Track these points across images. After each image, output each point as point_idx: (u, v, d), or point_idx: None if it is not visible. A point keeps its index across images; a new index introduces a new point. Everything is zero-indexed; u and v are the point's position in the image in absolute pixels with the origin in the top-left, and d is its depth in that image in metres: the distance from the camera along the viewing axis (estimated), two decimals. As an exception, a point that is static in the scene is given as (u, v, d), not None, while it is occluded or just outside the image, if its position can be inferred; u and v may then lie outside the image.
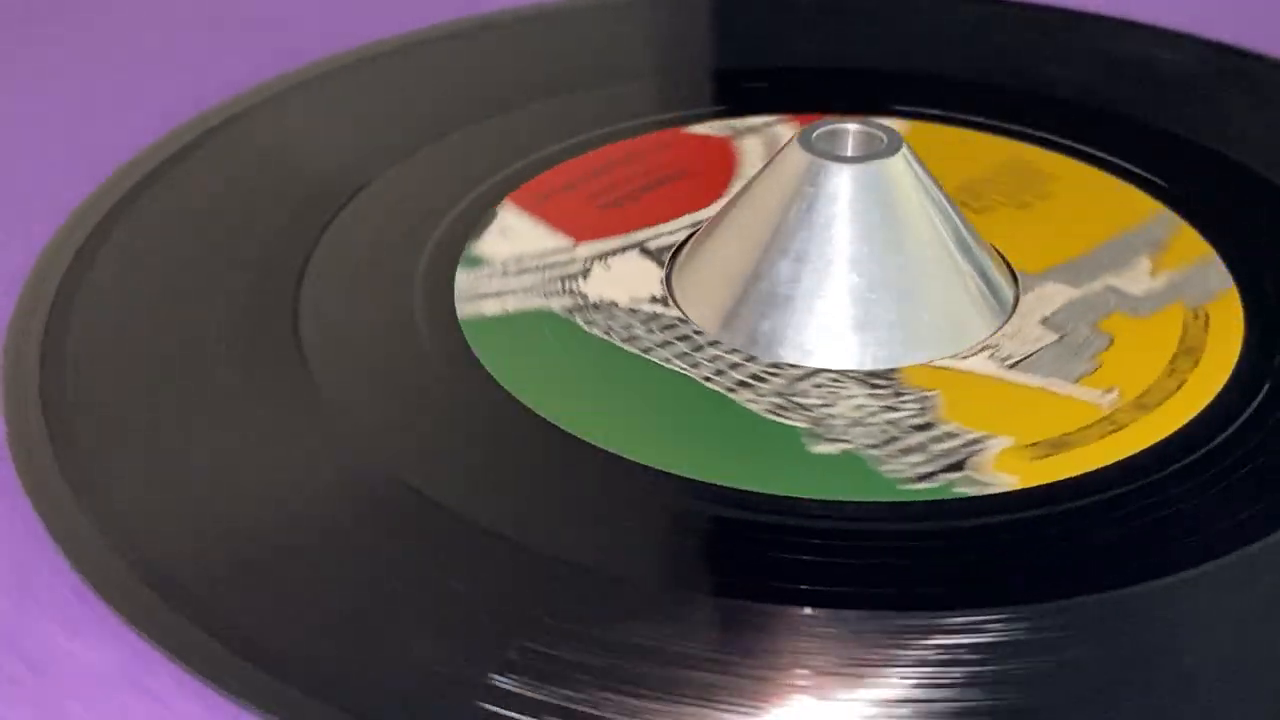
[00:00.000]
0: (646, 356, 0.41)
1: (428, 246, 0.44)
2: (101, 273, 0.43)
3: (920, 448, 0.38)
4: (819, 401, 0.40)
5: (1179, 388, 0.40)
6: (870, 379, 0.40)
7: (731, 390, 0.40)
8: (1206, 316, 0.42)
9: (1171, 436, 0.39)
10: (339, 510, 0.37)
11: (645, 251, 0.44)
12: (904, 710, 0.33)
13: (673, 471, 0.38)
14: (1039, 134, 0.48)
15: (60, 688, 0.34)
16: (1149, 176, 0.47)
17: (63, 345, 0.41)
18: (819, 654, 0.34)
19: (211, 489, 0.37)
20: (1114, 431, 0.39)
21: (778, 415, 0.39)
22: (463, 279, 0.43)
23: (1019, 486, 0.38)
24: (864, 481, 0.38)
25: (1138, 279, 0.44)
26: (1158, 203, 0.46)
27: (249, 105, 0.49)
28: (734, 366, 0.41)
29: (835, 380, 0.40)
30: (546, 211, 0.45)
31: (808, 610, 0.35)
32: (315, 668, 0.34)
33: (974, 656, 0.34)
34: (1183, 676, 0.34)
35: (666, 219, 0.45)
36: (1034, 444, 0.39)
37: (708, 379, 0.40)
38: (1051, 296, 0.43)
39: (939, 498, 0.37)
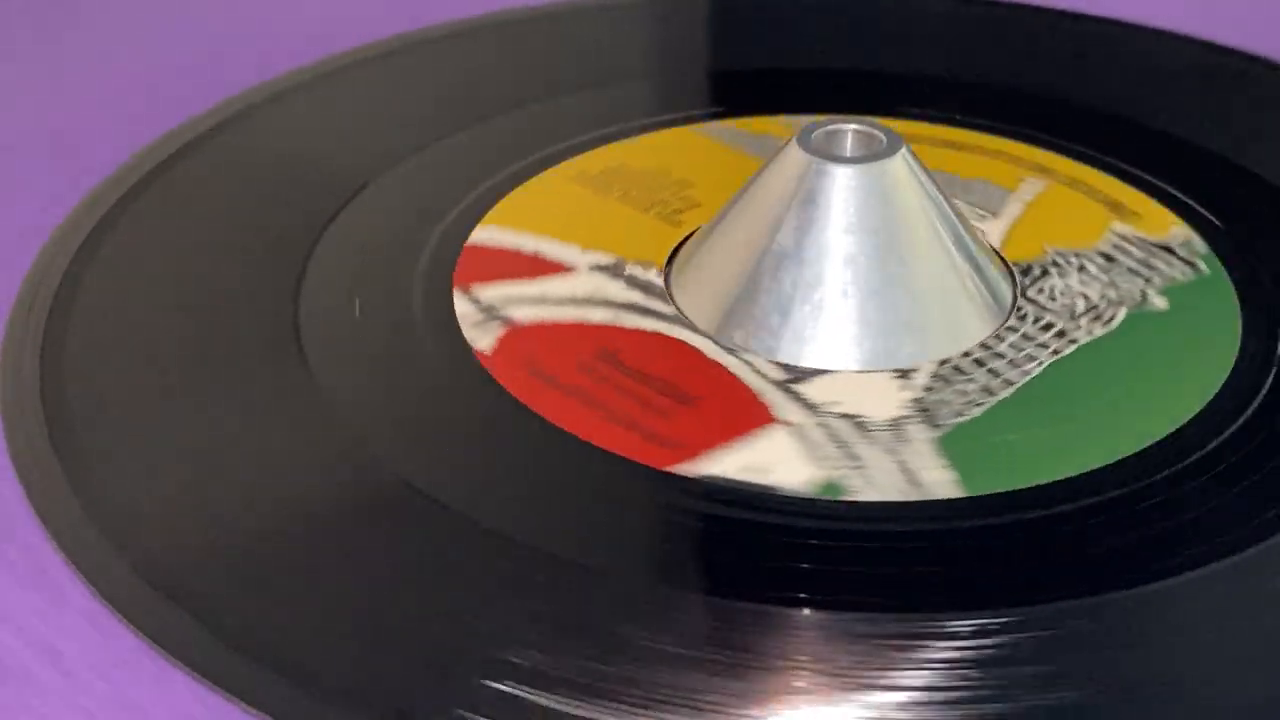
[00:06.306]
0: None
1: (428, 246, 0.44)
2: (101, 272, 0.43)
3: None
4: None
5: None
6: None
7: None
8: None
9: (1171, 436, 0.39)
10: (339, 509, 0.37)
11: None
12: (901, 712, 0.33)
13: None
14: (1038, 134, 0.48)
15: (60, 687, 0.34)
16: (1148, 177, 0.47)
17: (62, 344, 0.41)
18: (815, 655, 0.34)
19: (211, 488, 0.37)
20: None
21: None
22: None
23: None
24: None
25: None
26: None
27: (249, 105, 0.49)
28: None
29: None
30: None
31: (806, 611, 0.35)
32: (314, 667, 0.34)
33: (972, 658, 0.34)
34: (1181, 677, 0.34)
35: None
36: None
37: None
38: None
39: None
